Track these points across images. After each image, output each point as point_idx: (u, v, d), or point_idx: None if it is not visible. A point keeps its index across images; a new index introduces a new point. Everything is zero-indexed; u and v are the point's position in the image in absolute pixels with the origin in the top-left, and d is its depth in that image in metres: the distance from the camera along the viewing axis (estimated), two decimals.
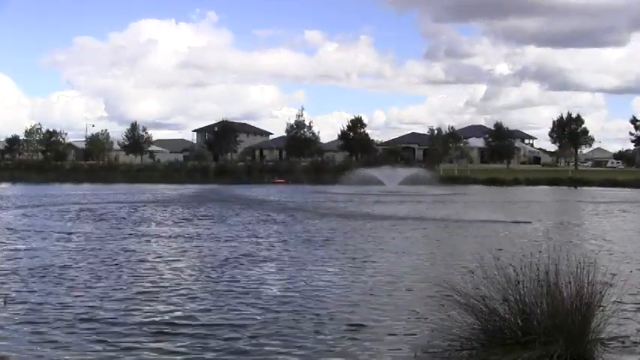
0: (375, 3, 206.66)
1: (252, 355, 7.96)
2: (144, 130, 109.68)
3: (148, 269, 13.73)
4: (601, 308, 7.53)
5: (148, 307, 10.12)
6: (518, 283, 7.60)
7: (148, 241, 18.70)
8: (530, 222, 25.32)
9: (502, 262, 8.08)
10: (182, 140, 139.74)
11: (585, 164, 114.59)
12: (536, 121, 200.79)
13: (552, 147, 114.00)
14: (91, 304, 10.32)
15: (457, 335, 7.83)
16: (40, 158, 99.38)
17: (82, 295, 10.99)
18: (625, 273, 10.49)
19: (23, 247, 17.15)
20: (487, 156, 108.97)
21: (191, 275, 13.08)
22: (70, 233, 20.41)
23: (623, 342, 7.99)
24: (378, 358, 7.82)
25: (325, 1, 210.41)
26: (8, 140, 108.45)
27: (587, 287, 7.42)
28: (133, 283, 12.07)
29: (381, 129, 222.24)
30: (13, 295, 10.95)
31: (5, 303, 10.29)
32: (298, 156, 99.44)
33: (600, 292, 7.52)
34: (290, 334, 8.73)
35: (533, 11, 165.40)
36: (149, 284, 11.93)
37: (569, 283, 7.45)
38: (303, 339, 8.52)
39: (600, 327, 7.55)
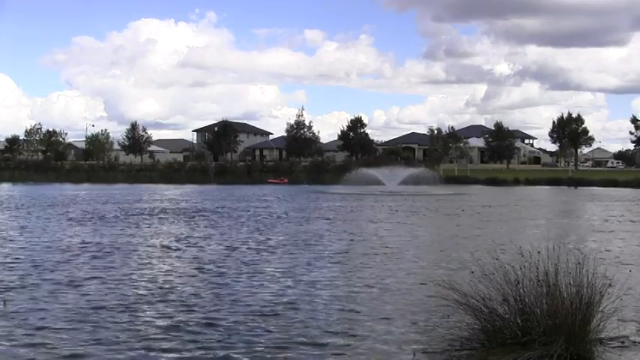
0: (374, 2, 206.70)
1: (247, 353, 7.95)
2: (144, 130, 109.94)
3: (139, 272, 13.69)
4: (601, 308, 7.52)
5: (141, 311, 9.92)
6: (518, 283, 7.59)
7: (135, 242, 18.67)
8: None
9: (502, 262, 8.07)
10: (182, 140, 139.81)
11: (585, 164, 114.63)
12: (536, 121, 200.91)
13: (552, 147, 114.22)
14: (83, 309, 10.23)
15: (457, 335, 7.82)
16: (40, 158, 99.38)
17: (77, 299, 10.96)
18: (625, 273, 10.49)
19: (23, 247, 17.12)
20: (487, 156, 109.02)
21: (178, 282, 12.86)
22: (66, 235, 20.40)
23: (623, 342, 7.98)
24: (377, 358, 7.80)
25: (325, 0, 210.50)
26: (8, 140, 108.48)
27: (587, 287, 7.41)
28: (123, 287, 11.85)
29: (381, 129, 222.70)
30: (13, 296, 10.91)
31: (5, 304, 10.27)
32: (298, 156, 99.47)
33: (600, 292, 7.51)
34: (286, 335, 8.69)
35: (533, 11, 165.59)
36: (141, 288, 11.69)
37: (569, 283, 7.44)
38: (299, 339, 8.48)
39: (600, 327, 7.54)
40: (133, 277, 12.72)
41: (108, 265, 13.98)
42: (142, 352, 7.94)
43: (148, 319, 9.43)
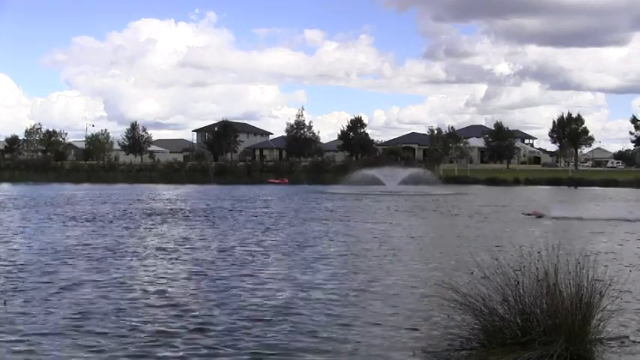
0: (374, 2, 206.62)
1: (248, 355, 7.94)
2: (144, 130, 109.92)
3: (134, 274, 13.64)
4: (601, 308, 7.52)
5: (134, 315, 9.74)
6: (518, 283, 7.59)
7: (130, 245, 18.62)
8: None
9: (501, 262, 8.07)
10: (182, 140, 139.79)
11: (585, 164, 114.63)
12: (536, 121, 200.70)
13: (552, 147, 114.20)
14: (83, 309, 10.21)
15: (457, 335, 7.83)
16: (40, 158, 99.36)
17: (77, 299, 10.94)
18: (625, 273, 10.48)
19: (18, 249, 17.11)
20: (487, 156, 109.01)
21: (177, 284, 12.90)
22: (63, 236, 20.39)
23: (623, 342, 7.99)
24: (377, 358, 7.80)
25: (325, 0, 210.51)
26: (8, 140, 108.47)
27: (587, 287, 7.42)
28: (119, 289, 11.71)
29: (381, 129, 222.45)
30: (7, 299, 10.84)
31: (5, 303, 10.27)
32: (298, 156, 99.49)
33: (600, 292, 7.52)
34: (286, 335, 8.68)
35: (534, 10, 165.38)
36: (135, 292, 11.50)
37: (569, 283, 7.45)
38: (299, 340, 8.49)
39: (600, 327, 7.55)
40: (128, 280, 12.53)
41: (103, 268, 13.78)
42: (135, 357, 7.85)
43: (141, 323, 9.28)
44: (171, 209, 31.88)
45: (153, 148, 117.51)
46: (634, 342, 8.09)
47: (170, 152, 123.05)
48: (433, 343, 7.96)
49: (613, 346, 7.77)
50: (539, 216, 27.14)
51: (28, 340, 8.42)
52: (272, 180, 75.28)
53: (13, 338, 8.51)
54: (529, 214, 27.57)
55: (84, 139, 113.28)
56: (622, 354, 7.64)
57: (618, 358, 7.53)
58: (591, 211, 28.47)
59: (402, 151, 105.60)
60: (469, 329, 7.74)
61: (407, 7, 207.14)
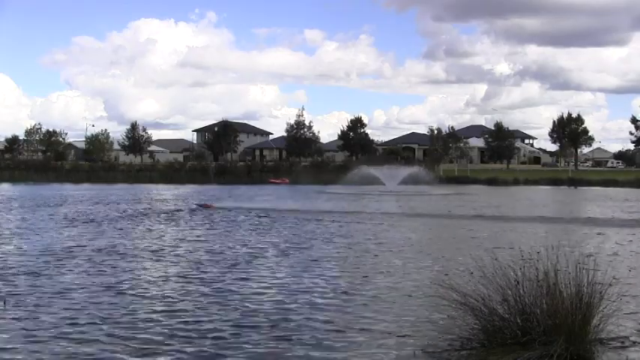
0: (374, 2, 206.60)
1: (247, 356, 7.93)
2: (144, 130, 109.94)
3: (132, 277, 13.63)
4: (601, 308, 7.52)
5: (128, 320, 9.54)
6: (518, 283, 7.59)
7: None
8: None
9: (501, 262, 8.06)
10: (182, 140, 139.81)
11: (585, 164, 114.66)
12: (536, 121, 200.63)
13: (552, 147, 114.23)
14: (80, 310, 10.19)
15: (457, 335, 7.82)
16: (40, 158, 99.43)
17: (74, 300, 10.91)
18: (625, 273, 10.50)
19: (20, 249, 17.11)
20: (487, 156, 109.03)
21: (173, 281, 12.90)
22: (59, 238, 20.36)
23: (623, 342, 7.99)
24: (378, 358, 7.79)
25: (325, 0, 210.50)
26: (8, 140, 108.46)
27: (587, 287, 7.41)
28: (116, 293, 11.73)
29: (381, 129, 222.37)
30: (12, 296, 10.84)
31: (5, 304, 10.26)
32: (298, 156, 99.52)
33: (600, 292, 7.51)
34: (288, 335, 8.68)
35: (533, 10, 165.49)
36: (128, 296, 11.28)
37: (569, 283, 7.44)
38: (301, 340, 8.48)
39: (600, 327, 7.54)
40: (123, 283, 12.31)
41: (99, 270, 13.59)
42: None
43: (136, 327, 9.14)
44: (171, 210, 31.86)
45: (153, 148, 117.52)
46: (634, 342, 8.08)
47: (170, 152, 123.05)
48: (433, 343, 7.95)
49: (613, 346, 7.77)
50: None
51: (24, 343, 8.37)
52: (272, 180, 75.27)
53: (9, 340, 8.47)
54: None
55: (84, 139, 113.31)
56: (622, 354, 7.64)
57: (618, 358, 7.52)
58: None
59: (402, 151, 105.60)
60: (469, 329, 7.73)
61: (407, 7, 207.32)
